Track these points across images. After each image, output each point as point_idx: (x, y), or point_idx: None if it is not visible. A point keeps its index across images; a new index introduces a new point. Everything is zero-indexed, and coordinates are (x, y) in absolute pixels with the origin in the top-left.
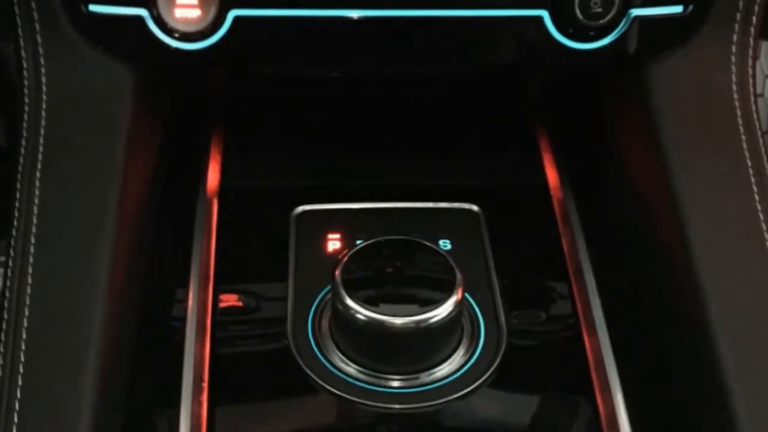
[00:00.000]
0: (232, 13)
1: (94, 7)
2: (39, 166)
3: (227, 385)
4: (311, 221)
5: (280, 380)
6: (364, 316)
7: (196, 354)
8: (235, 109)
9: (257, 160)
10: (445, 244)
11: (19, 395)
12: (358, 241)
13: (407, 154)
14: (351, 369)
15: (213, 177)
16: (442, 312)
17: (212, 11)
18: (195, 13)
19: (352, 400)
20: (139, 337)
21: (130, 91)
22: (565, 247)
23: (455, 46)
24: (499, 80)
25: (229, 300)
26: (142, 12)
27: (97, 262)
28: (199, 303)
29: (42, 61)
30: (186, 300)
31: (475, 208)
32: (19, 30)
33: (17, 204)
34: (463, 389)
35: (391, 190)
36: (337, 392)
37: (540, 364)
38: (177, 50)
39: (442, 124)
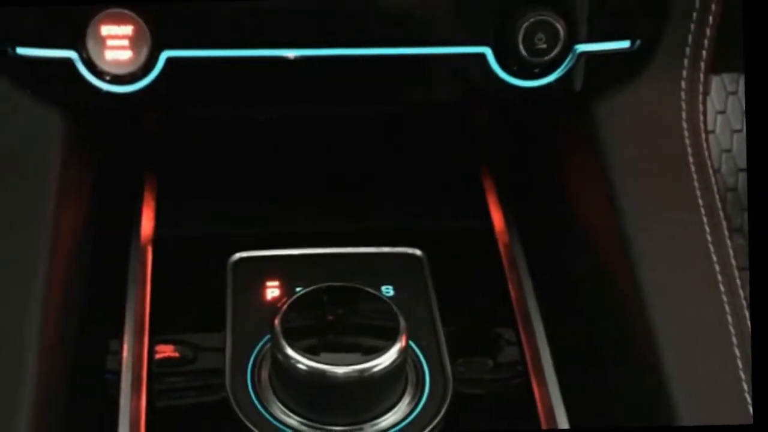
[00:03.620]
0: (165, 54)
1: (21, 50)
2: None
3: None
4: (249, 269)
5: None
6: (305, 365)
7: (131, 408)
8: (168, 154)
9: (192, 206)
10: (387, 290)
11: None
12: (298, 289)
13: (348, 197)
14: (292, 421)
15: (147, 224)
16: (385, 360)
17: (144, 53)
18: (126, 54)
19: None
20: (72, 392)
21: (60, 137)
22: (512, 293)
23: (396, 85)
24: (443, 120)
25: (165, 351)
26: (71, 54)
27: (28, 316)
28: (134, 355)
29: None
30: (120, 352)
31: (418, 252)
32: None
33: None
34: None
35: (331, 235)
36: None
37: (487, 413)
38: (108, 94)
39: (384, 165)
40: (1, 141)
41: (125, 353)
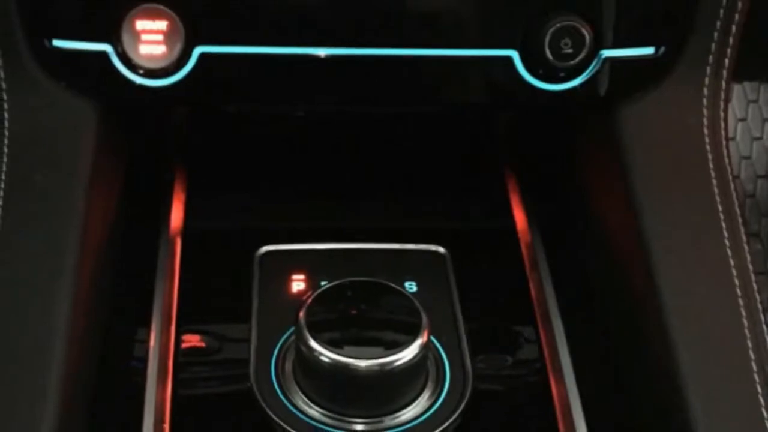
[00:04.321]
0: (198, 50)
1: (58, 42)
2: None
3: (189, 428)
4: (275, 262)
5: (242, 423)
6: (328, 358)
7: (157, 396)
8: (198, 148)
9: (221, 200)
10: (410, 286)
11: None
12: (323, 283)
13: (373, 194)
14: (314, 412)
15: (176, 216)
16: (407, 355)
17: (177, 48)
18: (160, 49)
19: None
20: (100, 380)
21: (93, 129)
22: (533, 292)
23: (423, 85)
24: (467, 120)
25: (192, 341)
26: (106, 48)
27: (57, 305)
28: (160, 344)
29: (4, 97)
30: (147, 341)
31: (441, 250)
32: None
33: None
34: None
35: (356, 230)
36: None
37: (505, 410)
38: (141, 87)
39: (409, 164)
40: (35, 131)
41: (152, 343)
